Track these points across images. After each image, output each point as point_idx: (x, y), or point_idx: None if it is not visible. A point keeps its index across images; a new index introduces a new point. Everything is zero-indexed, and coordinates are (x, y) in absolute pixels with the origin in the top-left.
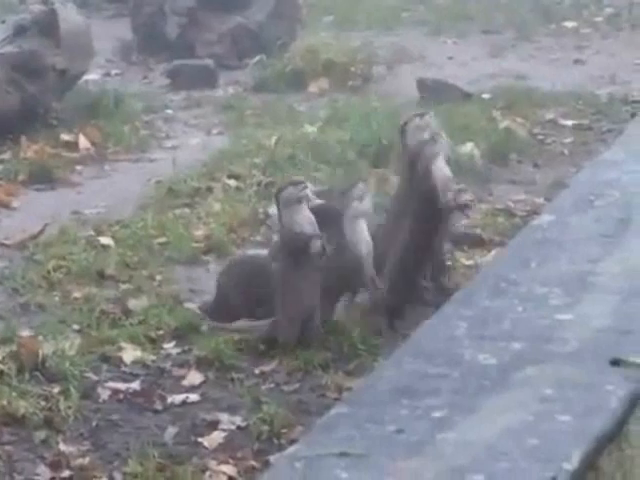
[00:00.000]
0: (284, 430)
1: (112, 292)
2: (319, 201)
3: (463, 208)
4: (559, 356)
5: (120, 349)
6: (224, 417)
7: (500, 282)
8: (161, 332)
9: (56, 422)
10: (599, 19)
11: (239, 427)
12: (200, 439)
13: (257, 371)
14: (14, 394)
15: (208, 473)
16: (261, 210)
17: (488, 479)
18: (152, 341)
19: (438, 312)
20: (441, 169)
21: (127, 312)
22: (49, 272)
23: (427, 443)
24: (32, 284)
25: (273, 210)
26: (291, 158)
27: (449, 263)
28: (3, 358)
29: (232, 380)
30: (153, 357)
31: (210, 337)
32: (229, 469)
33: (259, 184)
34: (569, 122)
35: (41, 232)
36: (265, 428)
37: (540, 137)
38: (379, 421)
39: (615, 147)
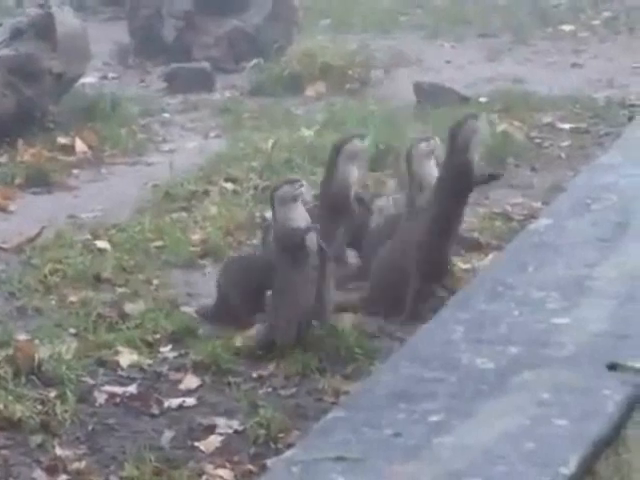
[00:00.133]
0: (281, 434)
1: (109, 296)
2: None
3: (494, 178)
4: (556, 360)
5: (117, 353)
6: (221, 421)
7: (497, 286)
8: (158, 336)
9: (52, 426)
10: (596, 23)
11: (236, 431)
12: (197, 443)
13: (254, 375)
14: (10, 398)
15: (205, 477)
16: (258, 214)
17: None
18: (149, 345)
19: (435, 316)
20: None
21: (124, 316)
22: (46, 276)
23: (424, 447)
24: (29, 288)
25: (269, 214)
26: (288, 162)
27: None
28: None
29: (229, 384)
30: (150, 361)
31: (207, 341)
32: (226, 473)
33: (256, 188)
34: (566, 126)
35: (38, 236)
36: (262, 432)
37: (537, 141)
38: (376, 425)
39: (612, 151)
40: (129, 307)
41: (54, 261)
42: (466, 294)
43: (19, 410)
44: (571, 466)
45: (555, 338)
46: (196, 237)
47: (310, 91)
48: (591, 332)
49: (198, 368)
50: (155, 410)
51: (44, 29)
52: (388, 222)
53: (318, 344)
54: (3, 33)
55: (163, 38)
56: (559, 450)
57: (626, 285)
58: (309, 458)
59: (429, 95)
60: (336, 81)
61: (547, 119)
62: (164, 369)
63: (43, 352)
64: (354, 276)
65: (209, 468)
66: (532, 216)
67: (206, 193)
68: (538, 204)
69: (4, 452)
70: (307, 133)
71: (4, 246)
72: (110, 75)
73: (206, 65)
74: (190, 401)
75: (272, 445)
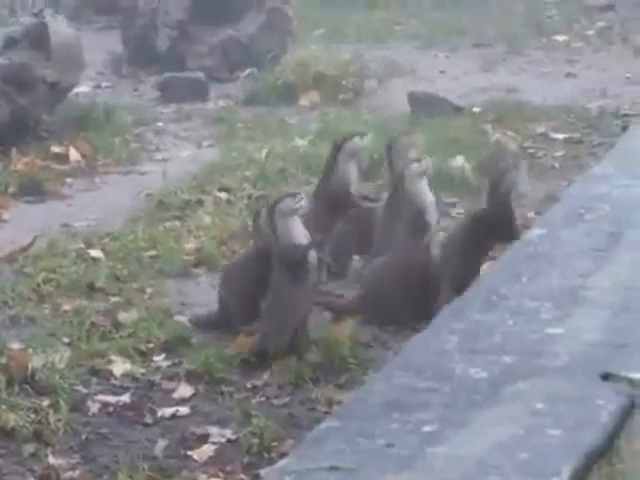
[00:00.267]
0: (274, 444)
1: (102, 305)
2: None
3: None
4: (550, 370)
5: (110, 362)
6: (214, 430)
7: (491, 296)
8: (151, 345)
9: (45, 435)
10: (590, 33)
11: (229, 440)
12: (190, 452)
13: (247, 384)
14: (3, 407)
15: None
16: (251, 223)
17: None
18: (142, 354)
19: (429, 326)
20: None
21: (117, 325)
22: (39, 285)
23: (417, 457)
24: (22, 297)
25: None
26: (282, 171)
27: None
28: None
29: (222, 393)
30: (143, 370)
31: (200, 350)
32: None
33: (250, 197)
34: (560, 136)
35: (31, 245)
36: (255, 441)
37: (531, 151)
38: (369, 435)
39: (606, 161)
40: (122, 316)
41: (47, 270)
42: (460, 304)
43: (12, 419)
44: (564, 476)
45: (549, 348)
46: (190, 246)
47: (304, 101)
48: (585, 342)
49: (191, 377)
50: (148, 419)
51: (38, 38)
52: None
53: (311, 353)
54: None
55: (157, 47)
56: (552, 460)
57: (620, 295)
58: (302, 468)
59: (423, 105)
60: (330, 91)
61: (541, 129)
62: (157, 378)
63: (36, 361)
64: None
65: (202, 477)
66: (526, 226)
67: (200, 202)
68: (532, 214)
69: None
70: (301, 143)
71: None
72: (104, 84)
73: (200, 74)
74: (183, 410)
75: (265, 455)
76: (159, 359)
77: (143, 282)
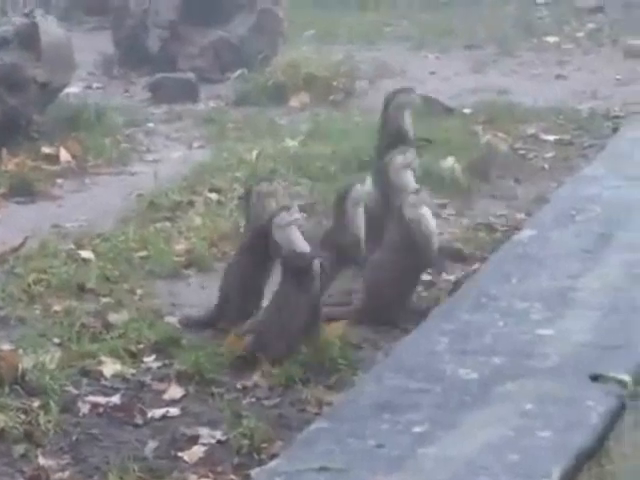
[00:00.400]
0: (264, 445)
1: (92, 306)
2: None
3: None
4: (540, 371)
5: (100, 363)
6: (204, 431)
7: (481, 297)
8: (141, 346)
9: (36, 436)
10: (581, 34)
11: (219, 441)
12: (180, 453)
13: (238, 385)
14: None
15: None
16: (242, 224)
17: None
18: (132, 355)
19: (419, 327)
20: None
21: (107, 326)
22: (29, 285)
23: (408, 458)
24: (12, 297)
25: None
26: (272, 172)
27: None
28: None
29: (212, 394)
30: (133, 371)
31: (190, 351)
32: None
33: (240, 198)
34: (550, 137)
35: (21, 245)
36: (245, 442)
37: (521, 152)
38: (360, 436)
39: (596, 162)
40: (113, 317)
41: (38, 271)
42: (450, 305)
43: (2, 420)
44: (554, 478)
45: (539, 349)
46: (180, 247)
47: (294, 102)
48: (575, 343)
49: (182, 378)
50: (139, 420)
51: (29, 39)
52: None
53: (302, 355)
54: None
55: (148, 48)
56: (542, 461)
57: (609, 296)
58: (292, 469)
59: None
60: (320, 92)
61: (531, 130)
62: (148, 379)
63: (27, 362)
64: None
65: (192, 478)
66: (516, 227)
67: (190, 203)
68: (522, 215)
69: None
70: (291, 143)
71: None
72: (94, 85)
73: (191, 75)
74: (174, 411)
75: (255, 455)
76: (149, 360)
77: (133, 283)
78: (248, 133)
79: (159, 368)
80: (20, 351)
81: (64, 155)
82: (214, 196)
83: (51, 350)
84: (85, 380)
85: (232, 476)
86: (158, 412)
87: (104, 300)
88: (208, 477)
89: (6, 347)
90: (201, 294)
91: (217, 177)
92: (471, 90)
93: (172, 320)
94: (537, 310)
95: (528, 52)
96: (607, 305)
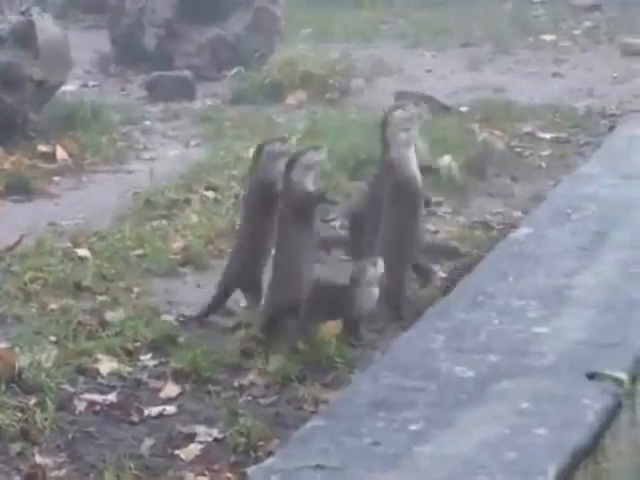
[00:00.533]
0: (261, 442)
1: (89, 304)
2: None
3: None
4: (536, 369)
5: (97, 361)
6: (201, 429)
7: (477, 295)
8: (138, 344)
9: (32, 434)
10: (577, 32)
11: (216, 439)
12: (177, 451)
13: (234, 383)
14: None
15: None
16: (239, 222)
17: None
18: (129, 353)
19: (415, 325)
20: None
21: (104, 324)
22: (26, 283)
23: (404, 456)
24: (8, 295)
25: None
26: None
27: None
28: None
29: (209, 392)
30: (130, 369)
31: (187, 349)
32: None
33: (237, 196)
34: (547, 135)
35: (18, 243)
36: (242, 440)
37: (518, 150)
38: (356, 434)
39: (593, 161)
40: (109, 315)
41: (34, 269)
42: (446, 303)
43: None
44: (550, 476)
45: (535, 347)
46: (177, 245)
47: (291, 100)
48: (571, 341)
49: (178, 376)
50: (135, 418)
51: (25, 37)
52: None
53: (298, 352)
54: None
55: (144, 46)
56: (538, 459)
57: (605, 294)
58: (289, 467)
59: None
60: (317, 90)
61: (528, 128)
62: (144, 377)
63: (23, 360)
64: None
65: (189, 476)
66: (512, 225)
67: (187, 201)
68: (518, 213)
69: None
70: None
71: None
72: (91, 83)
73: (187, 73)
74: (170, 409)
75: (252, 453)
76: (146, 358)
77: (130, 281)
78: (245, 131)
79: (155, 366)
80: (16, 349)
81: (60, 153)
82: (211, 194)
83: (47, 348)
84: (81, 378)
85: (228, 474)
86: (154, 410)
87: (100, 298)
88: (204, 475)
89: (2, 345)
90: (197, 292)
91: (214, 175)
92: (467, 88)
93: (169, 318)
94: (533, 308)
95: (524, 50)
96: (603, 303)
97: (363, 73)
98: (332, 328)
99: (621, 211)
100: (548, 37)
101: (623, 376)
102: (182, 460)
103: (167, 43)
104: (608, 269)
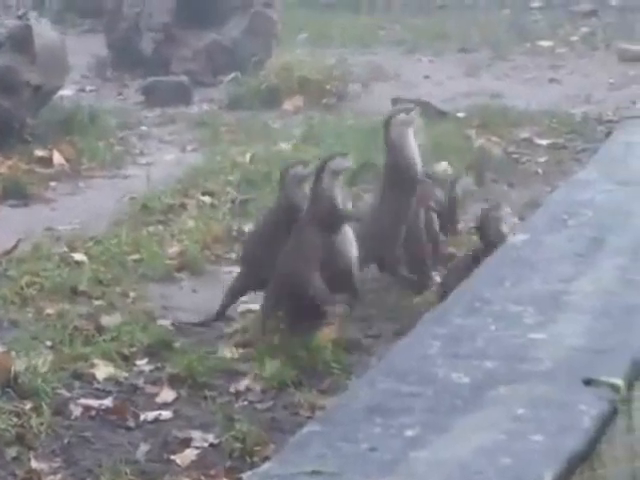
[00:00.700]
0: (257, 448)
1: (85, 309)
2: None
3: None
4: (532, 375)
5: (93, 366)
6: (197, 434)
7: (474, 301)
8: (134, 349)
9: (28, 439)
10: (574, 38)
11: (212, 445)
12: (172, 456)
13: (230, 389)
14: None
15: None
16: (235, 227)
17: None
18: (125, 358)
19: (412, 331)
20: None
21: (100, 329)
22: (22, 288)
23: (400, 462)
24: (5, 300)
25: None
26: (265, 175)
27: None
28: None
29: (205, 398)
30: (126, 374)
31: (183, 354)
32: None
33: (233, 201)
34: (544, 141)
35: (14, 248)
36: (238, 446)
37: (515, 156)
38: (352, 439)
39: (589, 167)
40: (105, 320)
41: (31, 273)
42: (443, 309)
43: None
44: None
45: (532, 353)
46: (173, 250)
47: (288, 105)
48: (568, 347)
49: (174, 381)
50: (131, 423)
51: (22, 41)
52: None
53: (295, 358)
54: None
55: (141, 51)
56: (534, 465)
57: (602, 300)
58: (285, 472)
59: None
60: (314, 95)
61: (525, 134)
62: (140, 382)
63: (19, 364)
64: None
65: None
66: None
67: (183, 206)
68: (515, 219)
69: None
70: (285, 147)
71: None
72: (88, 88)
73: (184, 78)
74: (166, 414)
75: (248, 459)
76: (142, 363)
77: (126, 286)
78: (241, 136)
79: (151, 371)
80: (12, 353)
81: (57, 158)
82: (207, 199)
83: (43, 353)
84: (77, 383)
85: (224, 479)
86: (150, 415)
87: (97, 303)
88: None
89: None
90: (193, 297)
91: (210, 180)
92: (464, 94)
93: (165, 323)
94: (530, 314)
95: (522, 56)
96: (600, 309)
97: (360, 78)
98: (328, 333)
99: (618, 217)
100: (545, 43)
101: (619, 382)
102: (178, 465)
103: (164, 48)
104: (605, 275)
